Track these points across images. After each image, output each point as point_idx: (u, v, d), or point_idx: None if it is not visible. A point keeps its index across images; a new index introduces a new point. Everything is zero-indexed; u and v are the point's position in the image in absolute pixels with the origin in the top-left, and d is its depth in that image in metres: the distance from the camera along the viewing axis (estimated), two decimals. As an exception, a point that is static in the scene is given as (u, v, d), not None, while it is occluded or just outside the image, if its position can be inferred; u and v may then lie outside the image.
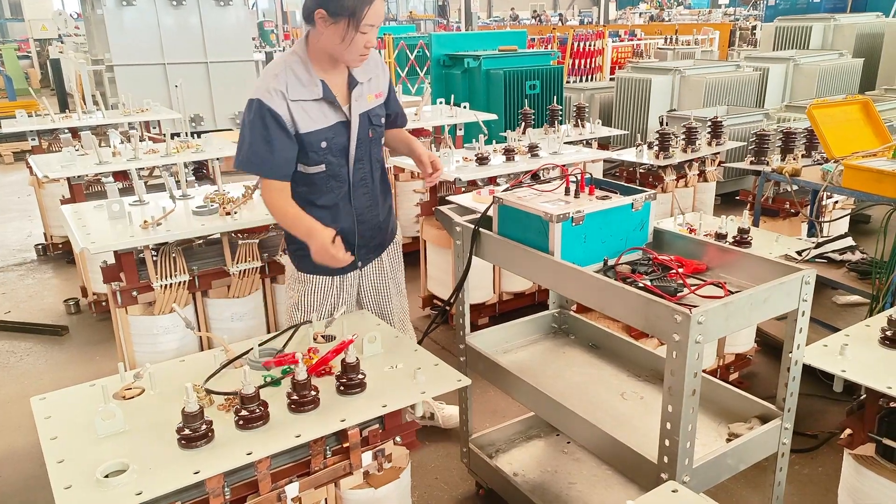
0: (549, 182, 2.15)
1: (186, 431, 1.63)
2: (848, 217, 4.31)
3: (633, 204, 2.01)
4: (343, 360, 1.84)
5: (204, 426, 1.64)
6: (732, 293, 1.74)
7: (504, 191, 2.12)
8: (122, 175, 4.01)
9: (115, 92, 9.17)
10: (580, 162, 4.11)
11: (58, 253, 5.21)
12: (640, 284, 1.78)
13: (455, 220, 2.24)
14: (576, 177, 2.04)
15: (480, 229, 2.12)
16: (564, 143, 4.56)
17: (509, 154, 3.79)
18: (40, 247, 5.36)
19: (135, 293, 2.66)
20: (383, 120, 2.36)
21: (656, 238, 2.12)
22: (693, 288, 1.78)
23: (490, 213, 2.12)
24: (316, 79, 2.14)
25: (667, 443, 1.61)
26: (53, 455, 1.60)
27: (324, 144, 2.17)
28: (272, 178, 2.15)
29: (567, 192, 2.05)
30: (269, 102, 2.07)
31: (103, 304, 4.07)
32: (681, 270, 1.89)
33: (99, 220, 2.75)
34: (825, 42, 9.18)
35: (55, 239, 5.13)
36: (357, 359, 1.85)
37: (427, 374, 1.93)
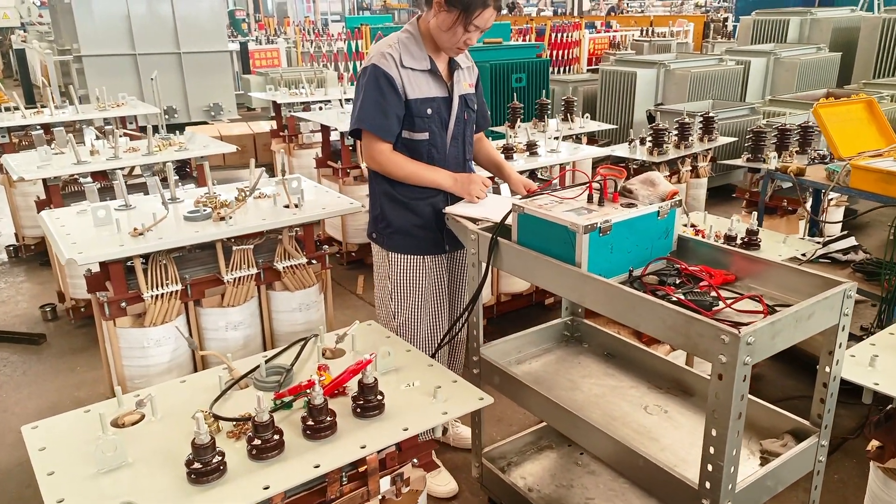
0: (570, 188, 2.05)
1: (197, 465, 1.51)
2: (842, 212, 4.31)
3: (658, 211, 1.93)
4: (360, 381, 1.73)
5: (216, 459, 1.52)
6: (770, 307, 1.68)
7: (523, 198, 2.02)
8: (99, 174, 3.82)
9: (84, 83, 8.85)
10: (577, 160, 4.03)
11: (30, 255, 4.97)
12: (674, 299, 1.70)
13: (470, 227, 2.14)
14: (599, 184, 1.94)
15: (500, 239, 2.02)
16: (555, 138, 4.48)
17: (508, 153, 3.69)
18: (12, 248, 5.11)
19: (123, 304, 2.51)
20: (476, 107, 2.51)
21: (680, 246, 2.04)
22: (729, 302, 1.70)
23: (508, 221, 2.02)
24: (425, 53, 2.34)
25: (709, 468, 1.54)
26: (52, 494, 1.47)
27: (429, 111, 2.33)
28: (383, 137, 2.30)
29: (590, 199, 1.95)
30: (384, 66, 2.26)
31: (82, 310, 3.89)
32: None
33: (83, 227, 2.59)
34: (802, 36, 9.25)
35: (28, 240, 4.89)
36: (375, 379, 1.74)
37: (446, 392, 1.83)
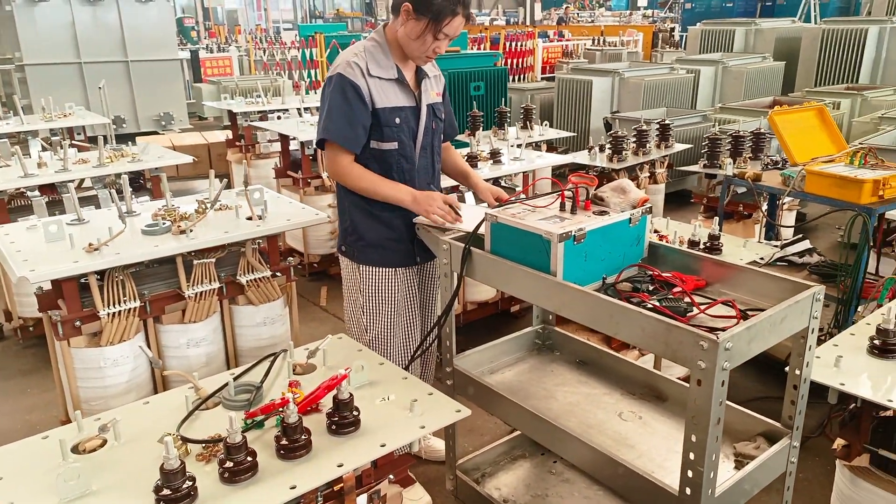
0: (543, 197, 2.05)
1: (166, 491, 1.44)
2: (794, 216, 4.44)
3: (630, 219, 1.94)
4: (335, 397, 1.69)
5: (186, 484, 1.46)
6: (743, 312, 1.70)
7: (496, 208, 2.01)
8: (48, 188, 3.66)
9: (27, 93, 8.53)
10: (539, 168, 4.06)
11: (-28, 272, 4.74)
12: (649, 305, 1.71)
13: (441, 238, 2.12)
14: (572, 192, 1.95)
15: (472, 249, 2.00)
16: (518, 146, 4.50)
17: (472, 161, 3.68)
18: (-49, 265, 4.86)
19: (78, 323, 2.40)
20: (443, 116, 2.48)
21: (651, 253, 2.06)
22: (703, 307, 1.72)
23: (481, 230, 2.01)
24: (392, 62, 2.29)
25: (689, 474, 1.55)
26: (11, 530, 1.38)
27: (397, 121, 2.29)
28: (349, 147, 2.25)
29: (562, 207, 1.95)
30: (350, 75, 2.21)
31: (31, 329, 3.71)
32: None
33: (34, 243, 2.47)
34: (747, 45, 9.57)
35: (-31, 257, 4.65)
36: (350, 395, 1.70)
37: (423, 405, 1.80)
